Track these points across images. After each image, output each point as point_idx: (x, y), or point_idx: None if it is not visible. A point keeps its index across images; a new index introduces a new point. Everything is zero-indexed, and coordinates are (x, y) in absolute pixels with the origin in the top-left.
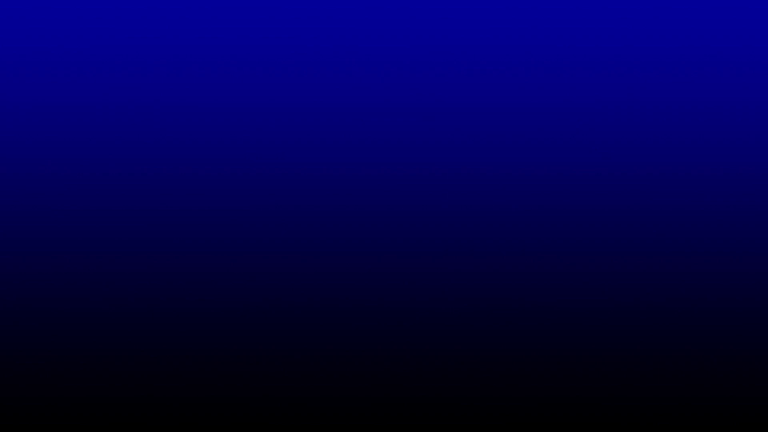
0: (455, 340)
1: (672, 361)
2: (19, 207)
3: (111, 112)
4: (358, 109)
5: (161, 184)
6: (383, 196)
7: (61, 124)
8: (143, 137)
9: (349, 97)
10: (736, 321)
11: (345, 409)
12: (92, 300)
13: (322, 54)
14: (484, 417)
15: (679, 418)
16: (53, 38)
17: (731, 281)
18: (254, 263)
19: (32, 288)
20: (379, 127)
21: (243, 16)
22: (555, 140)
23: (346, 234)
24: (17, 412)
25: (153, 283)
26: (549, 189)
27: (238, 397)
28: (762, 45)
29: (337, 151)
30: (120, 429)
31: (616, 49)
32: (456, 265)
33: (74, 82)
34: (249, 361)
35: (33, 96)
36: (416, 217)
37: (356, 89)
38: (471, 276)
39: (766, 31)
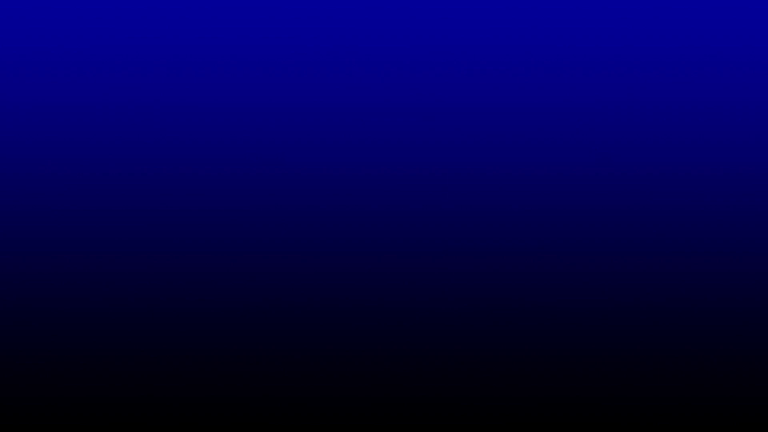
0: (455, 340)
1: (672, 361)
2: (19, 207)
3: (111, 112)
4: (358, 109)
5: (161, 184)
6: (383, 196)
7: (61, 124)
8: (143, 137)
9: (349, 97)
10: (736, 321)
11: (345, 409)
12: (92, 300)
13: (322, 54)
14: (484, 417)
15: (679, 418)
16: (53, 38)
17: (731, 281)
18: (254, 263)
19: (32, 288)
20: (379, 127)
21: (243, 16)
22: (555, 140)
23: (346, 234)
24: (17, 412)
25: (153, 283)
26: (549, 189)
27: (238, 397)
28: (762, 45)
29: (337, 151)
30: (120, 429)
31: (616, 49)
32: (456, 265)
33: (74, 82)
34: (249, 361)
35: (33, 96)
36: (416, 217)
37: (356, 89)
38: (471, 276)
39: (766, 31)
